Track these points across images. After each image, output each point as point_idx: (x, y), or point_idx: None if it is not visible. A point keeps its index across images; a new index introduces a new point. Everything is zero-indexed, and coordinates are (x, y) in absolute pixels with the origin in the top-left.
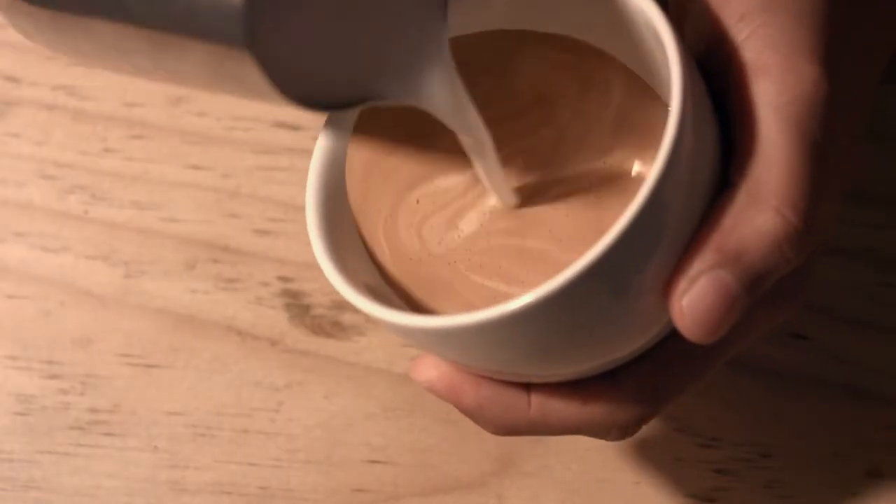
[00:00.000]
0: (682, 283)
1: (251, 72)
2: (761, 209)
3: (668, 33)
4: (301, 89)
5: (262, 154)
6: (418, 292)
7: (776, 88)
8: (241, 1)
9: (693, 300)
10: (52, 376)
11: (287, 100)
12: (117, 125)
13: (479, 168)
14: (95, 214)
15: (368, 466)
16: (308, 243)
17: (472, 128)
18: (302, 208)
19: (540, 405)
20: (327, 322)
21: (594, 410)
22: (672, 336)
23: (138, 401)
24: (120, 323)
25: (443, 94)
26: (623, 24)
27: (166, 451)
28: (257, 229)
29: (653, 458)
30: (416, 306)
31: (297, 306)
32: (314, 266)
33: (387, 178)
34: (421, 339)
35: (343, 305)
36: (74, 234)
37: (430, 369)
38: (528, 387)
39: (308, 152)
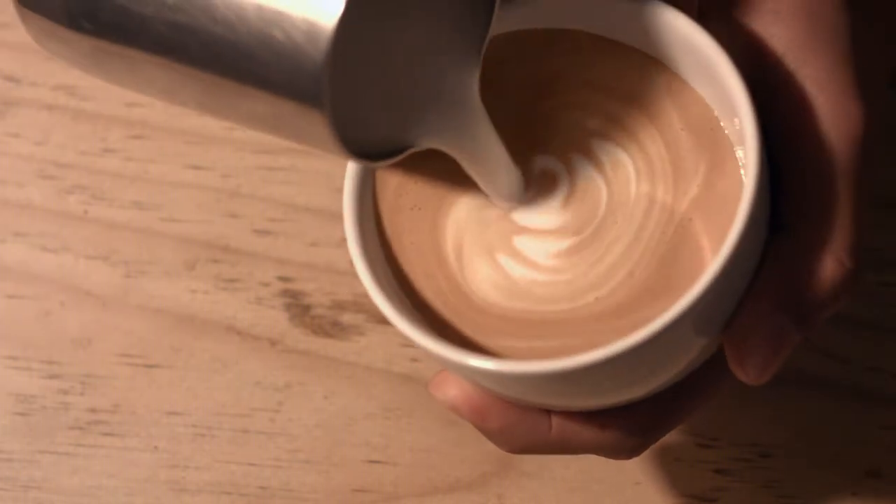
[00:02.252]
0: (743, 330)
1: (319, 129)
2: (822, 256)
3: (743, 95)
4: (357, 144)
5: (262, 154)
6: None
7: (828, 130)
8: (323, 61)
9: (752, 346)
10: (52, 376)
11: (347, 154)
12: (117, 125)
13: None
14: (95, 214)
15: (368, 466)
16: (308, 243)
17: (498, 175)
18: (301, 208)
19: (560, 429)
20: (327, 322)
21: (611, 435)
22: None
23: (138, 401)
24: (120, 323)
25: (474, 140)
26: (678, 42)
27: (166, 451)
28: (257, 229)
29: (653, 458)
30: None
31: (297, 306)
32: (314, 266)
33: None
34: (482, 380)
35: (343, 305)
36: (74, 234)
37: (453, 388)
38: (548, 411)
39: (308, 152)
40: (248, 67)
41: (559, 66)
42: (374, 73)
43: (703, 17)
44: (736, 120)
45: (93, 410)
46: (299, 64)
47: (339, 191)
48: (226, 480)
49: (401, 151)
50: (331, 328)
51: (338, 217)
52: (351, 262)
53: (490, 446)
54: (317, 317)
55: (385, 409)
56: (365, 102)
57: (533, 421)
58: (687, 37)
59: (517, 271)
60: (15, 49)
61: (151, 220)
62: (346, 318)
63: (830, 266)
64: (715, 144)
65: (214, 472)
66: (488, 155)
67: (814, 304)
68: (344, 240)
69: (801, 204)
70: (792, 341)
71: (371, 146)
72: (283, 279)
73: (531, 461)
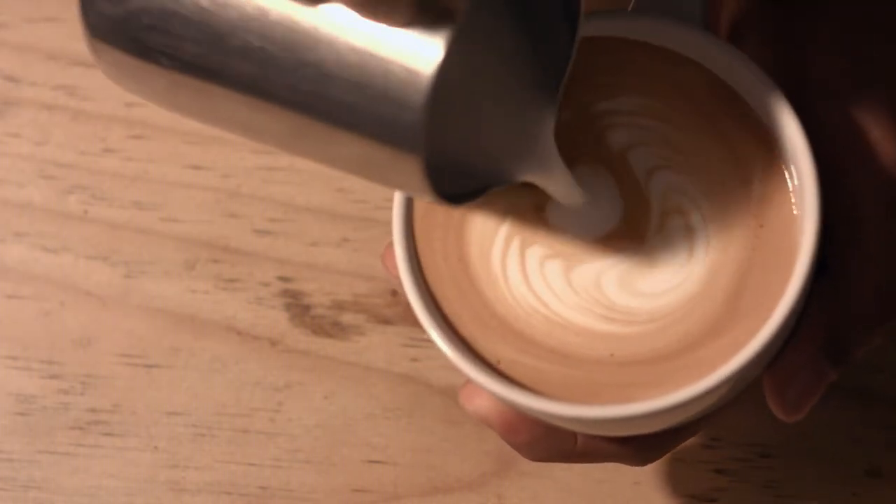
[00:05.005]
0: (785, 372)
1: (412, 174)
2: (862, 299)
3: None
4: (443, 187)
5: (262, 154)
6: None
7: (873, 173)
8: (422, 109)
9: (794, 386)
10: (52, 376)
11: (436, 199)
12: (117, 125)
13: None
14: (95, 214)
15: (368, 466)
16: (308, 243)
17: (567, 194)
18: (301, 208)
19: (584, 444)
20: (327, 322)
21: (631, 448)
22: None
23: (138, 401)
24: (120, 323)
25: (550, 174)
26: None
27: (166, 451)
28: (257, 229)
29: None
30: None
31: (297, 306)
32: (314, 266)
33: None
34: (552, 420)
35: (343, 305)
36: (74, 234)
37: (484, 400)
38: None
39: None
40: (341, 112)
41: (626, 85)
42: (464, 116)
43: (740, 39)
44: (793, 168)
45: (93, 410)
46: (397, 111)
47: (340, 191)
48: (226, 480)
49: (482, 191)
50: (331, 328)
51: (338, 217)
52: (350, 262)
53: (490, 446)
54: (317, 317)
55: (385, 409)
56: (454, 146)
57: (560, 436)
58: (753, 74)
59: (553, 300)
60: (15, 49)
61: (151, 220)
62: (346, 318)
63: (870, 310)
64: (773, 186)
65: (214, 472)
66: (557, 184)
67: (853, 345)
68: (344, 239)
69: (842, 247)
70: (829, 379)
71: (455, 187)
72: (283, 279)
73: (531, 461)
